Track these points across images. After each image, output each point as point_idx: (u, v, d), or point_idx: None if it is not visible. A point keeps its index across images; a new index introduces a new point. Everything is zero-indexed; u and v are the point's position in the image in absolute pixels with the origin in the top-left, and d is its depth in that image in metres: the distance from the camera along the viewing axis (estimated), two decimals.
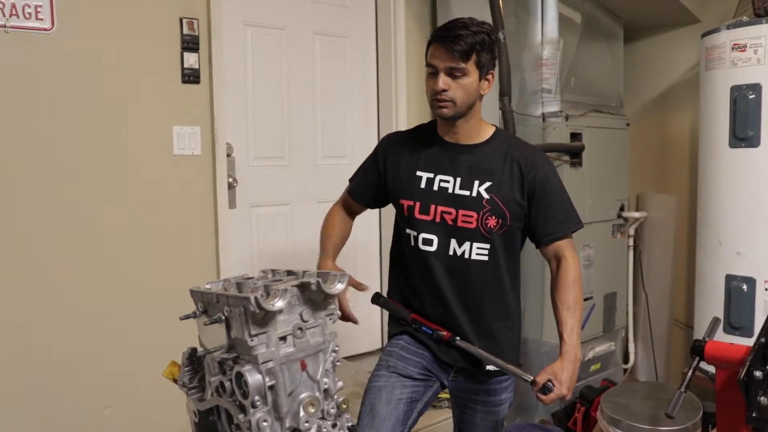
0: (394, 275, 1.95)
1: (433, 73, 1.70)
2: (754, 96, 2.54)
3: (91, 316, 2.50)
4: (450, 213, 1.75)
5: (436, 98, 1.70)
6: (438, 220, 1.76)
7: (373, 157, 1.92)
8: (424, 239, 1.79)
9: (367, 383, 1.83)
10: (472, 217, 1.74)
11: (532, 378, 1.64)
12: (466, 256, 1.75)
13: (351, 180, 1.99)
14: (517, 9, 3.02)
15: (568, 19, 3.10)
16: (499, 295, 1.80)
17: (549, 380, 1.62)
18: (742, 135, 2.59)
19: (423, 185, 1.78)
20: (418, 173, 1.79)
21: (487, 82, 1.74)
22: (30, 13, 2.33)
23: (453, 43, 1.64)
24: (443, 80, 1.68)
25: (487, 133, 1.82)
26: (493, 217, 1.74)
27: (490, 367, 1.79)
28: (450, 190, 1.76)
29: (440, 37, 1.68)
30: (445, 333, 1.78)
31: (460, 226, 1.75)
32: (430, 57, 1.71)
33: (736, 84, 2.60)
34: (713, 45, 2.70)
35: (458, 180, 1.76)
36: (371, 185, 1.92)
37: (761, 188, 2.57)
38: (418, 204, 1.78)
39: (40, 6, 2.35)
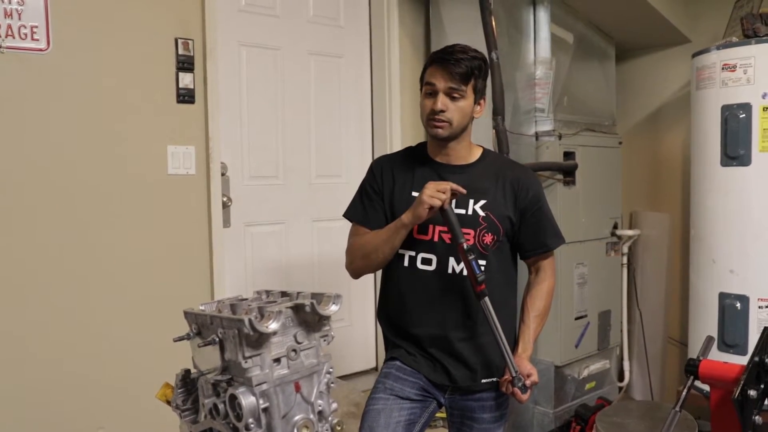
0: (384, 298, 1.93)
1: (431, 94, 1.73)
2: (744, 115, 2.56)
3: (83, 335, 2.49)
4: (447, 232, 1.76)
5: (432, 118, 1.73)
6: (436, 239, 1.77)
7: (370, 179, 1.89)
8: (422, 259, 1.79)
9: (365, 406, 1.83)
10: (469, 234, 1.75)
11: (522, 378, 1.69)
12: (464, 273, 1.76)
13: (353, 214, 1.89)
14: (510, 29, 3.05)
15: (561, 39, 3.13)
16: (494, 309, 1.80)
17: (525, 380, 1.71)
18: (733, 154, 2.61)
19: None
20: (414, 194, 1.80)
21: (479, 107, 1.80)
22: (26, 34, 2.35)
23: (455, 65, 1.69)
24: (442, 101, 1.71)
25: (476, 154, 1.86)
26: (490, 234, 1.77)
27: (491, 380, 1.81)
28: None
29: (442, 59, 1.71)
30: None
31: None
32: (430, 77, 1.74)
33: (726, 103, 2.62)
34: (704, 65, 2.73)
35: (453, 199, 1.77)
36: (381, 209, 1.85)
37: (753, 206, 2.59)
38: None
39: (36, 26, 2.36)
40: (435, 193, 1.64)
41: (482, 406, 1.84)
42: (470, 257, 1.64)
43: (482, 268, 1.68)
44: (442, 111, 1.71)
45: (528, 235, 1.83)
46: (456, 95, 1.71)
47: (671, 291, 3.56)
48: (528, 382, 1.70)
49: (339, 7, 3.35)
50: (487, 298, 1.67)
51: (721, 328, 2.66)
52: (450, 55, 1.71)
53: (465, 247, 1.64)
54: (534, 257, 1.87)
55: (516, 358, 1.75)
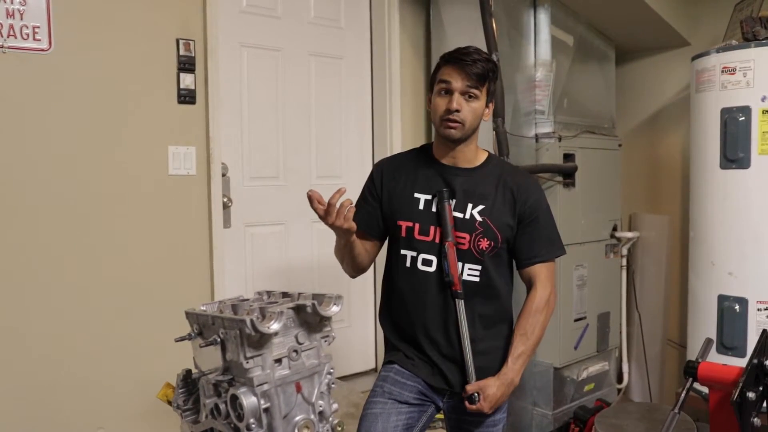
0: (385, 298, 1.93)
1: (446, 92, 1.72)
2: (743, 118, 2.57)
3: (84, 335, 2.49)
4: None
5: (447, 118, 1.72)
6: (437, 241, 1.77)
7: (369, 184, 1.89)
8: (423, 260, 1.79)
9: (363, 409, 1.82)
10: (464, 238, 1.75)
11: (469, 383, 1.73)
12: (464, 277, 1.76)
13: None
14: (511, 31, 3.05)
15: (561, 41, 3.14)
16: (490, 315, 1.81)
17: (477, 392, 1.71)
18: (733, 156, 2.61)
19: (422, 206, 1.79)
20: (416, 195, 1.80)
21: (488, 110, 1.80)
22: (28, 34, 2.35)
23: (471, 66, 1.69)
24: (457, 100, 1.71)
25: (481, 157, 1.85)
26: (485, 240, 1.75)
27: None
28: None
29: (459, 60, 1.71)
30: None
31: None
32: (446, 75, 1.73)
33: (726, 106, 2.62)
34: (703, 68, 2.74)
35: (453, 202, 1.78)
36: (376, 214, 1.86)
37: (752, 209, 2.59)
38: (417, 225, 1.78)
39: (38, 27, 2.37)
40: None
41: None
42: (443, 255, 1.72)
43: (449, 269, 1.73)
44: (457, 111, 1.70)
45: (521, 243, 1.80)
46: (472, 96, 1.71)
47: (670, 293, 3.57)
48: (472, 406, 1.70)
49: (340, 8, 3.36)
50: (462, 302, 1.73)
51: (720, 331, 2.66)
52: (466, 56, 1.70)
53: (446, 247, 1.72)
54: (526, 268, 1.83)
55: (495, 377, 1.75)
